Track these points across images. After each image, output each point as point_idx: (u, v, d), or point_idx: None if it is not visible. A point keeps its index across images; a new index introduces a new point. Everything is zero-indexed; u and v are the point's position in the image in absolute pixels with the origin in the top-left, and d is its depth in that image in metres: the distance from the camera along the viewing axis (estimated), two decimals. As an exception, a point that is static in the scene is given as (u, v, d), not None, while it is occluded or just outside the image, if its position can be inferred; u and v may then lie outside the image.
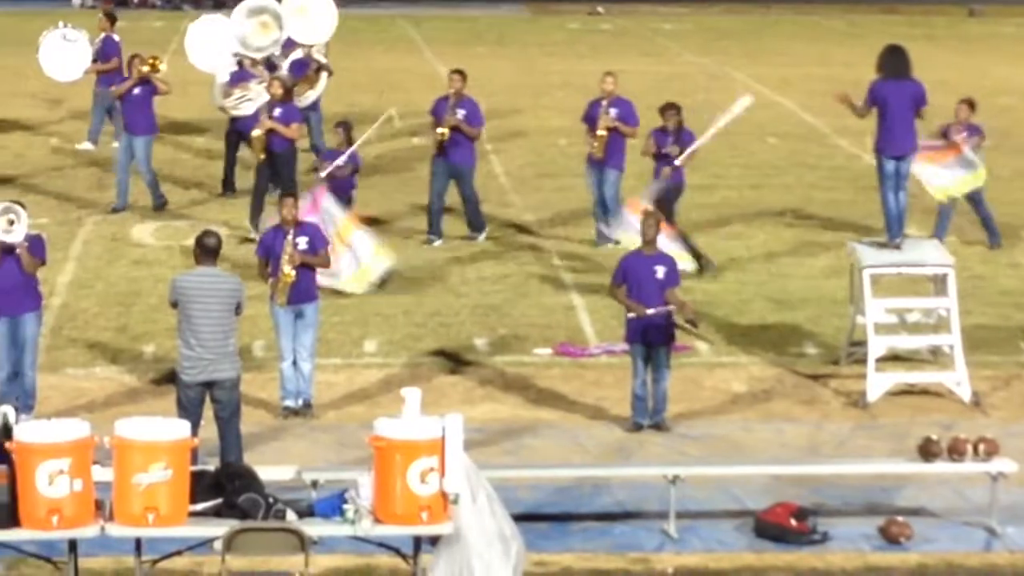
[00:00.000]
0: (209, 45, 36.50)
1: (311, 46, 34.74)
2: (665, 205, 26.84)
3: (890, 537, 18.28)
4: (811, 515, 18.50)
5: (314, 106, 34.94)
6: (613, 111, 25.63)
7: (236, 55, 33.90)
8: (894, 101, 23.55)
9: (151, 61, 33.31)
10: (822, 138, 36.57)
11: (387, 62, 37.54)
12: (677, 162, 27.70)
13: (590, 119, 27.30)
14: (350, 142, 28.41)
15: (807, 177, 34.40)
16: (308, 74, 34.22)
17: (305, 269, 21.77)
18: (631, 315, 21.10)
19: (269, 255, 21.91)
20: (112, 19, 39.16)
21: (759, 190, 32.80)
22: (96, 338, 24.65)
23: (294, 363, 21.92)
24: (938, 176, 27.54)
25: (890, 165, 23.53)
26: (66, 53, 36.58)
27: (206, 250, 20.08)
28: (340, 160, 28.03)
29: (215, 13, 37.06)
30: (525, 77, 37.40)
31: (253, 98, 31.78)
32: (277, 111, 30.52)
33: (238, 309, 19.66)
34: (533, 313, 26.04)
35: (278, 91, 30.91)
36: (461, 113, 29.94)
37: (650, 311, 20.86)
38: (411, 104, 38.09)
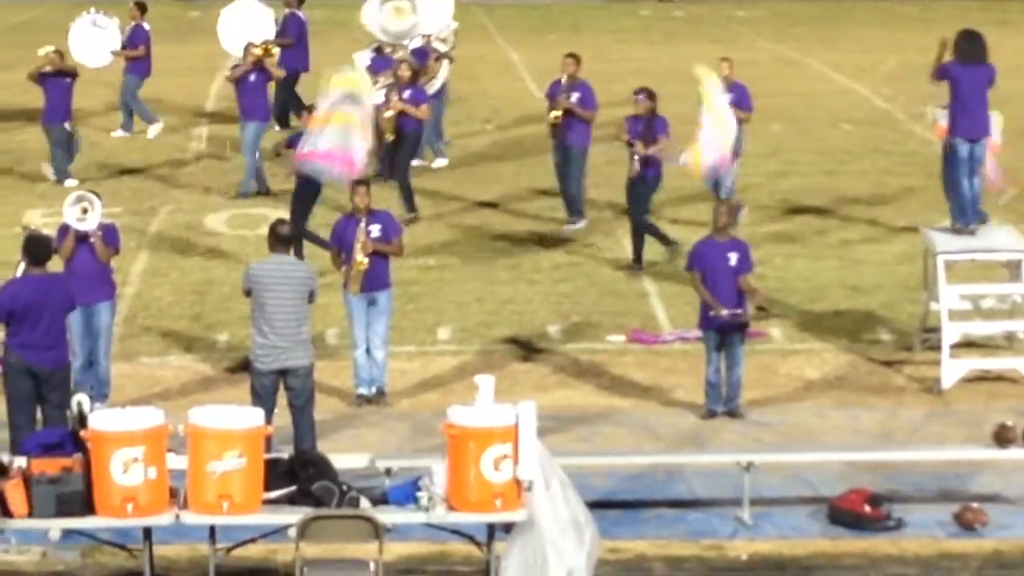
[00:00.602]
0: (240, 29, 37.43)
1: (430, 35, 34.74)
2: (631, 196, 27.53)
3: (965, 523, 18.20)
4: (885, 501, 18.48)
5: (437, 95, 34.67)
6: (575, 95, 25.03)
7: (375, 44, 34.26)
8: (969, 84, 23.42)
9: (264, 46, 33.58)
10: (896, 124, 36.38)
11: (461, 50, 37.49)
12: (636, 157, 27.64)
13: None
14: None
15: (881, 163, 34.16)
16: (429, 63, 34.07)
17: (378, 257, 21.77)
18: (711, 313, 21.13)
19: (342, 244, 21.94)
20: (143, 8, 39.30)
21: (833, 176, 32.61)
22: (170, 327, 24.80)
23: (367, 351, 21.95)
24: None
25: (964, 148, 23.33)
26: (95, 39, 37.12)
27: (279, 239, 20.18)
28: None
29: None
30: (598, 64, 37.28)
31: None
32: (406, 93, 30.95)
33: (311, 297, 19.75)
34: (606, 300, 26.01)
35: (406, 73, 31.40)
36: (575, 96, 29.94)
37: (724, 313, 20.85)
38: (484, 92, 38.21)
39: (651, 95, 28.23)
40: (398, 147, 31.11)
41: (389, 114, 30.97)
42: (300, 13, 38.91)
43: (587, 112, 30.05)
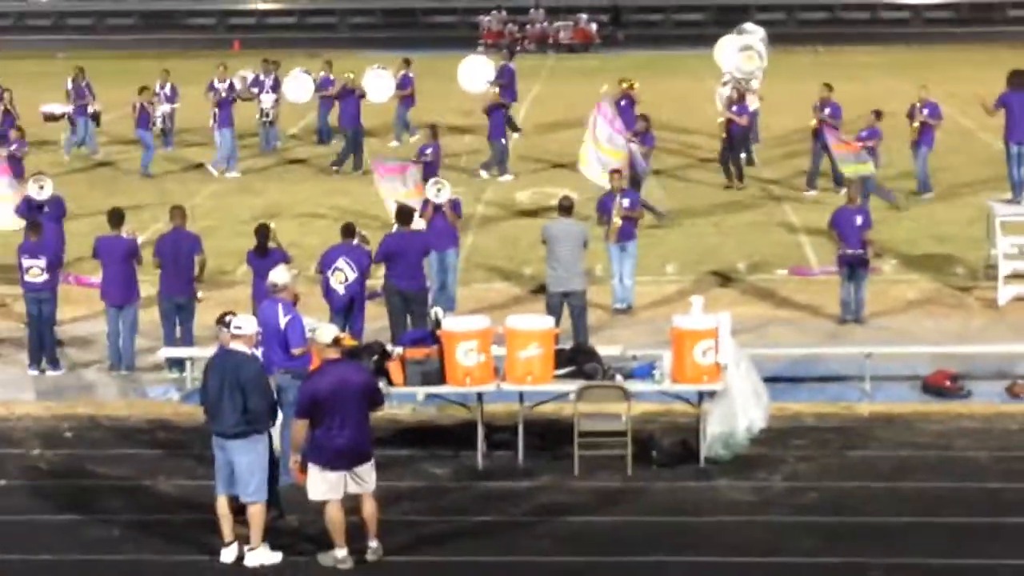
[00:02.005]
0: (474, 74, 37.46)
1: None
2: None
3: (1013, 394, 18.32)
4: (961, 378, 18.61)
5: (754, 112, 33.31)
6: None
7: (727, 77, 33.19)
8: (1017, 105, 23.32)
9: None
10: (972, 135, 35.48)
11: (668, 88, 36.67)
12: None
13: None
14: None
15: (959, 159, 33.50)
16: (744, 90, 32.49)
17: (627, 220, 22.00)
18: (839, 250, 21.31)
19: (603, 211, 22.19)
20: (408, 62, 38.62)
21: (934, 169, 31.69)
22: (494, 264, 24.83)
23: (621, 280, 21.96)
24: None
25: (1014, 148, 23.28)
26: (379, 81, 36.33)
27: (563, 208, 20.51)
28: None
29: None
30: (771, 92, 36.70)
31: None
32: (734, 108, 31.23)
33: (585, 245, 20.05)
34: (775, 246, 25.75)
35: (734, 95, 31.56)
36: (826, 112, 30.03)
37: (850, 251, 21.01)
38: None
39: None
40: (731, 144, 31.32)
41: (720, 120, 31.59)
42: (511, 64, 38.34)
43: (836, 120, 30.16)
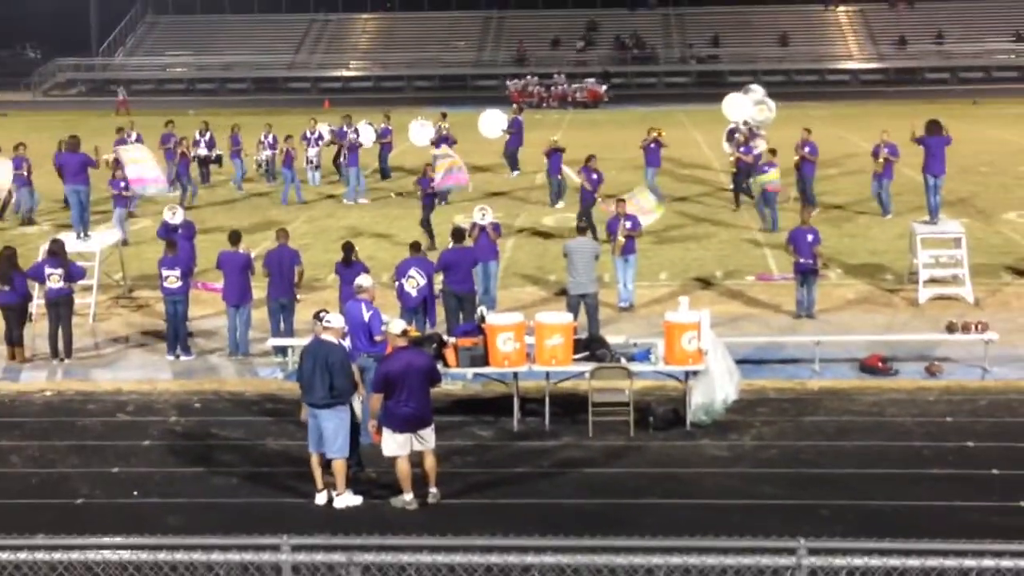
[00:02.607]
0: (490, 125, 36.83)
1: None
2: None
3: (931, 372, 18.24)
4: (890, 360, 18.52)
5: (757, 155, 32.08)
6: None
7: (736, 123, 32.62)
8: (933, 145, 23.27)
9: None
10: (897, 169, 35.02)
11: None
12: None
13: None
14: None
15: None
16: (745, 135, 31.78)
17: (630, 238, 21.90)
18: (794, 260, 21.24)
19: (611, 231, 22.15)
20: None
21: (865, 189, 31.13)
22: (526, 272, 24.71)
23: (624, 284, 21.81)
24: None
25: (930, 179, 23.28)
26: (422, 131, 35.79)
27: (580, 229, 20.66)
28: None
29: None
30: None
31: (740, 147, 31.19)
32: (742, 149, 30.80)
33: (596, 257, 20.05)
34: (745, 258, 25.56)
35: (742, 138, 31.16)
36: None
37: (803, 261, 20.94)
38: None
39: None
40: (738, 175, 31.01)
41: (731, 158, 31.53)
42: (519, 117, 38.35)
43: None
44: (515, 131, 37.44)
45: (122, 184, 27.44)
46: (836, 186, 33.74)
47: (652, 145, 32.24)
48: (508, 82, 66.36)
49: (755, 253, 26.24)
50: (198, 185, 35.08)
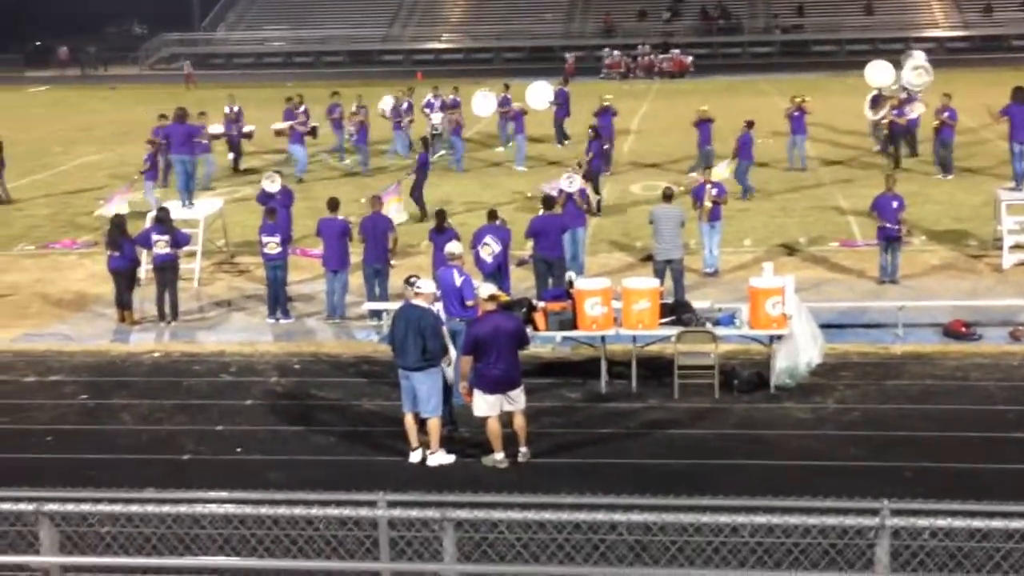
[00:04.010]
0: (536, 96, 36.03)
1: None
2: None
3: (1015, 337, 17.99)
4: (973, 325, 18.26)
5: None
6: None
7: (879, 89, 31.69)
8: (1018, 113, 22.76)
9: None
10: (984, 138, 34.44)
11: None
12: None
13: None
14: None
15: (974, 158, 32.73)
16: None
17: (715, 205, 21.77)
18: (878, 226, 20.95)
19: (697, 197, 22.03)
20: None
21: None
22: (613, 238, 24.67)
23: (710, 250, 21.77)
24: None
25: (1015, 147, 22.75)
26: (485, 101, 35.68)
27: (665, 196, 20.43)
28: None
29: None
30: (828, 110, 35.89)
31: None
32: (895, 112, 30.86)
33: (682, 224, 19.93)
34: (829, 224, 25.29)
35: (895, 101, 30.92)
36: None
37: (887, 227, 20.65)
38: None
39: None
40: (892, 138, 31.02)
41: (884, 121, 31.36)
42: (565, 89, 38.00)
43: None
44: (561, 102, 37.28)
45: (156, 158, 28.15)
46: (922, 151, 33.18)
47: (796, 113, 31.86)
48: (606, 53, 66.24)
49: (839, 220, 25.98)
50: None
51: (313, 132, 35.51)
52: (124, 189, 26.34)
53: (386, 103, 36.05)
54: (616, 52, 66.05)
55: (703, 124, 31.26)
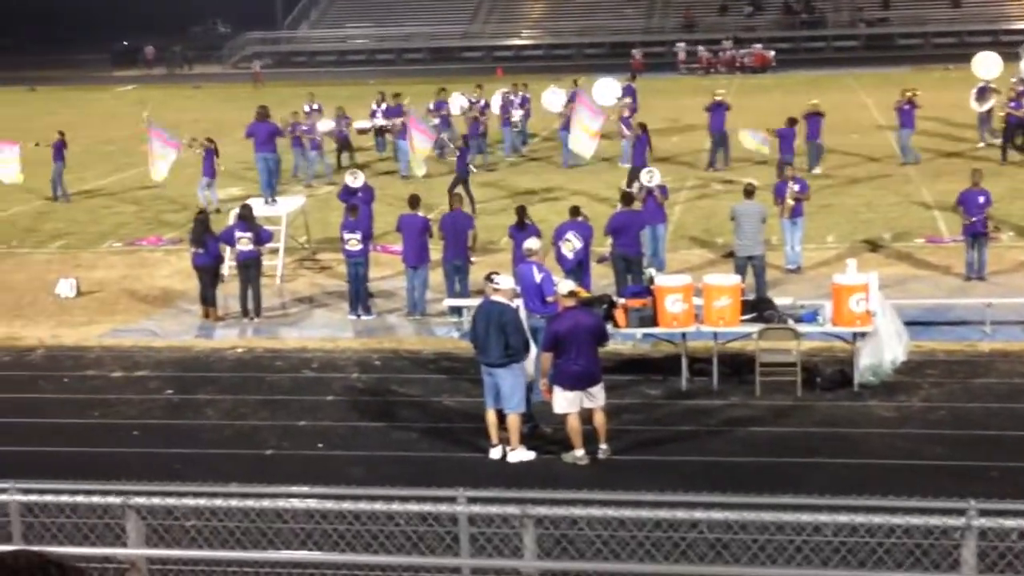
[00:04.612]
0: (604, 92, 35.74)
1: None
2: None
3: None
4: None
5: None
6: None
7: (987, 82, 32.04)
8: None
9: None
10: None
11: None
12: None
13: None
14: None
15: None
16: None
17: (797, 202, 21.57)
18: (964, 222, 20.61)
19: (778, 194, 21.84)
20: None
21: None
22: (694, 235, 24.60)
23: (792, 247, 21.60)
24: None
25: None
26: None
27: (747, 192, 20.32)
28: None
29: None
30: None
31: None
32: (1011, 104, 30.76)
33: (764, 220, 19.79)
34: (913, 220, 25.01)
35: (1012, 93, 30.93)
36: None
37: (974, 221, 20.33)
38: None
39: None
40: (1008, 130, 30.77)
41: (1000, 113, 31.29)
42: (632, 85, 37.88)
43: None
44: (630, 98, 36.99)
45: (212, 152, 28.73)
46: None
47: (906, 106, 31.33)
48: (679, 46, 66.03)
49: (924, 215, 25.68)
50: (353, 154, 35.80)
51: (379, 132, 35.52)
52: (173, 143, 27.20)
53: (456, 102, 36.25)
54: (701, 46, 65.56)
55: (812, 117, 30.71)
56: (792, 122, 29.23)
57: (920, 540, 8.01)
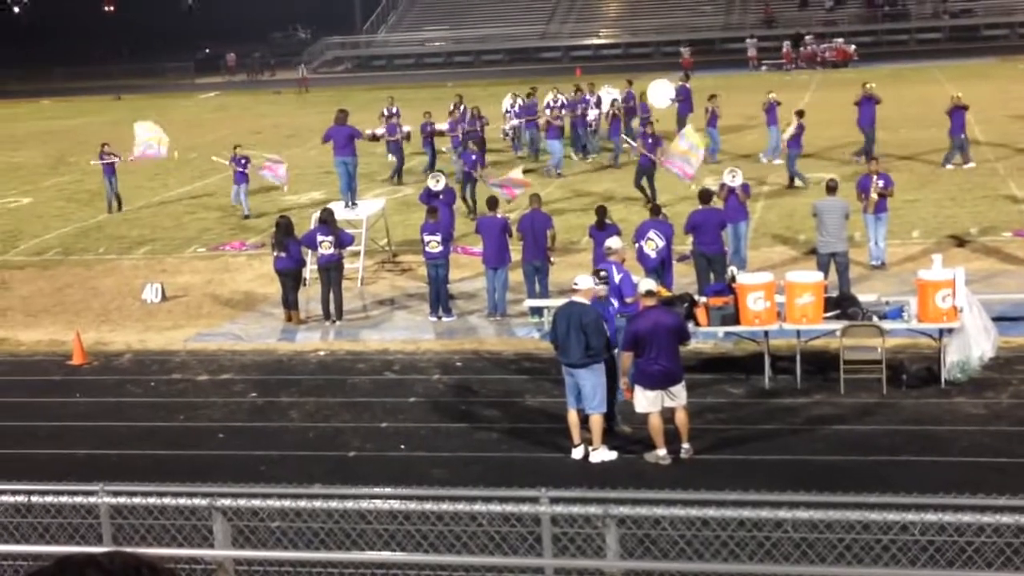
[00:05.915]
0: (660, 93, 36.05)
1: None
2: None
3: None
4: None
5: None
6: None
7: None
8: None
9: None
10: None
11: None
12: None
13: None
14: None
15: None
16: None
17: (881, 196, 21.30)
18: None
19: (862, 189, 21.58)
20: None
21: None
22: (776, 232, 24.31)
23: (876, 242, 21.30)
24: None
25: None
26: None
27: (829, 188, 20.10)
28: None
29: None
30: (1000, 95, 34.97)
31: None
32: None
33: (847, 216, 19.55)
34: (1000, 214, 24.60)
35: None
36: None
37: None
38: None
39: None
40: None
41: None
42: (687, 85, 37.56)
43: None
44: (683, 99, 37.02)
45: (243, 160, 29.24)
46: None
47: (955, 110, 30.06)
48: (749, 41, 65.60)
49: (1011, 209, 25.26)
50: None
51: (408, 137, 35.22)
52: (276, 162, 28.13)
53: (507, 102, 36.53)
54: (786, 42, 64.96)
55: (957, 111, 29.91)
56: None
57: (1011, 539, 7.89)
